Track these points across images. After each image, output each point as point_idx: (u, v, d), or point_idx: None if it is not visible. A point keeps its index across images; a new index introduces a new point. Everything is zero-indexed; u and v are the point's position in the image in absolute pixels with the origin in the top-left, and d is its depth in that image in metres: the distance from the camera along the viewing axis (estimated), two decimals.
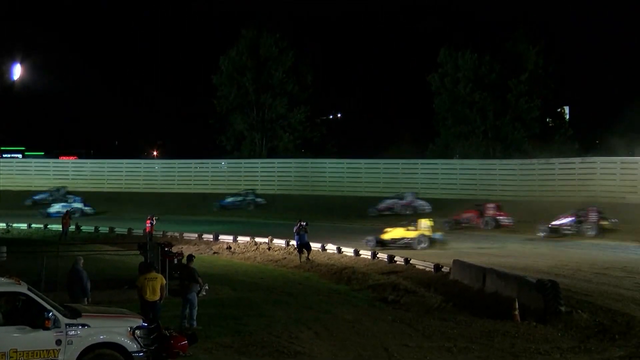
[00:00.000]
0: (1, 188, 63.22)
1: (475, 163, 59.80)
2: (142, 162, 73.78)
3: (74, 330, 12.58)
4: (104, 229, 43.76)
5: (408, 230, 35.13)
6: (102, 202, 59.73)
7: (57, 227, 43.06)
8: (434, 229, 35.43)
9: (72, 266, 19.12)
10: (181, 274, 20.47)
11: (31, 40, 74.74)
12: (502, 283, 22.08)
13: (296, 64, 69.24)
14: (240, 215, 53.77)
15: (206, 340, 16.20)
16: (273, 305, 21.84)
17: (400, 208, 50.89)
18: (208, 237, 39.40)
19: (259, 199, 58.59)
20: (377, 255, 30.89)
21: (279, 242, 35.95)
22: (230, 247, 36.79)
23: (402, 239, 34.76)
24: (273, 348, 16.15)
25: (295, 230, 32.66)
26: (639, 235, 36.58)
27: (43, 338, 12.38)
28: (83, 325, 12.70)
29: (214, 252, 35.91)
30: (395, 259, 29.80)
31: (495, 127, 62.86)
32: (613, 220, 39.16)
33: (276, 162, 66.94)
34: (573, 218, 39.22)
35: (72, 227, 42.95)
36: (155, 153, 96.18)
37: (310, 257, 32.04)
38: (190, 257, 19.97)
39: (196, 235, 40.21)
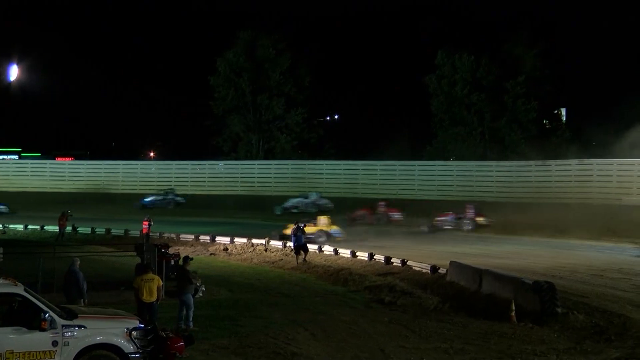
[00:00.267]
0: None
1: (472, 165, 59.90)
2: (138, 163, 73.78)
3: (71, 332, 12.58)
4: (100, 230, 43.68)
5: (308, 226, 36.22)
6: (98, 203, 59.87)
7: (54, 228, 43.01)
8: (332, 225, 38.36)
9: (68, 267, 19.13)
10: (177, 275, 20.55)
11: (28, 41, 74.75)
12: (498, 284, 22.10)
13: (293, 66, 69.25)
14: (162, 214, 53.28)
15: (203, 342, 16.21)
16: (270, 306, 21.85)
17: (305, 206, 54.17)
18: (205, 238, 39.36)
19: (178, 198, 60.45)
20: (374, 257, 30.91)
21: (276, 244, 35.96)
22: (227, 249, 36.78)
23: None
24: (270, 349, 16.15)
25: (292, 232, 32.66)
26: (635, 237, 36.61)
27: (39, 339, 12.38)
28: (79, 326, 12.70)
29: (211, 254, 35.89)
30: (391, 260, 29.82)
31: (492, 128, 62.97)
32: (490, 220, 43.19)
33: (273, 164, 66.99)
34: (453, 215, 43.69)
35: (69, 229, 42.89)
36: (152, 154, 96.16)
37: (307, 258, 32.05)
38: (186, 259, 20.01)
39: (193, 236, 40.18)
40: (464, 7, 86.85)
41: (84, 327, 12.73)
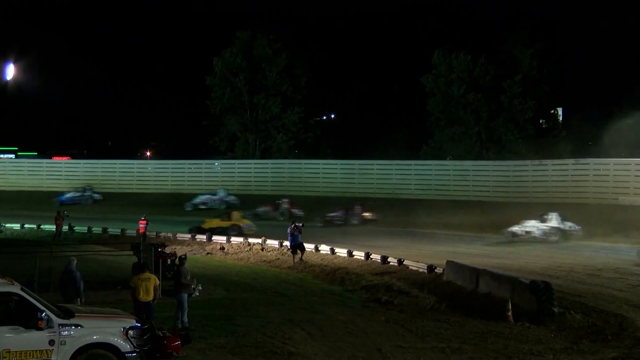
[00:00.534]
0: None
1: (469, 164, 59.91)
2: (135, 163, 73.69)
3: (67, 331, 12.58)
4: (97, 230, 43.64)
5: (223, 220, 42.19)
6: (94, 202, 59.89)
7: (51, 227, 42.97)
8: (244, 220, 42.89)
9: (65, 267, 19.11)
10: (173, 274, 20.63)
11: (25, 40, 74.65)
12: (495, 284, 22.12)
13: (290, 65, 69.21)
14: (80, 210, 53.61)
15: (200, 341, 16.22)
16: (266, 305, 21.86)
17: (214, 203, 57.24)
18: (201, 237, 39.35)
19: (96, 195, 62.16)
20: (371, 256, 30.92)
21: (273, 243, 35.96)
22: (223, 248, 36.77)
23: (218, 227, 40.75)
24: (266, 349, 16.16)
25: (289, 231, 32.66)
26: (632, 237, 36.66)
27: (36, 338, 12.38)
28: (76, 325, 12.70)
29: (208, 253, 35.88)
30: (388, 259, 29.83)
31: (488, 128, 62.95)
32: (376, 215, 48.09)
33: (270, 163, 66.95)
34: (342, 211, 48.26)
35: (66, 228, 42.86)
36: (148, 154, 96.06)
37: (303, 257, 32.05)
38: (181, 259, 20.12)
39: (189, 235, 40.19)
40: (462, 7, 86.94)
41: (81, 326, 12.74)
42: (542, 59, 61.83)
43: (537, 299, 19.58)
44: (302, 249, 32.32)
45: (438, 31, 73.02)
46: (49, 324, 12.47)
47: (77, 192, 61.50)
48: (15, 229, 45.50)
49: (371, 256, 30.95)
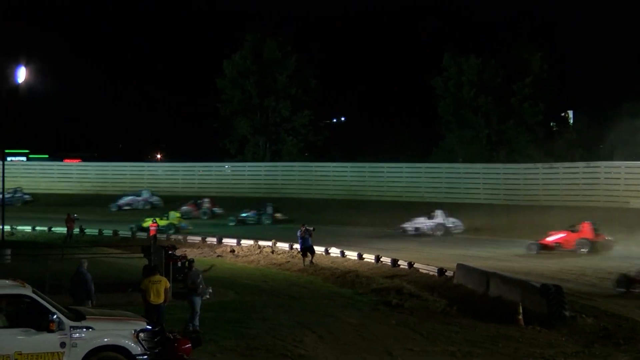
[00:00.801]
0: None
1: (479, 167, 59.77)
2: (145, 165, 73.94)
3: (79, 333, 12.61)
4: (107, 232, 43.85)
5: (161, 220, 44.08)
6: (106, 204, 59.97)
7: (62, 229, 43.14)
8: (181, 220, 46.31)
9: (76, 269, 19.16)
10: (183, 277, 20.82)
11: (36, 43, 74.91)
12: (506, 287, 22.07)
13: (300, 68, 69.28)
14: (10, 210, 53.34)
15: (210, 344, 16.21)
16: (277, 308, 21.86)
17: (139, 203, 58.87)
18: (212, 240, 39.46)
19: (26, 196, 63.70)
20: (381, 259, 30.91)
21: (283, 246, 35.97)
22: (233, 251, 36.82)
23: (157, 227, 41.73)
24: (277, 351, 16.16)
25: (300, 234, 32.64)
26: None
27: (47, 340, 12.41)
28: (87, 327, 12.73)
29: (218, 256, 35.92)
30: (398, 262, 29.82)
31: (499, 131, 62.83)
32: (285, 216, 50.33)
33: (280, 166, 67.03)
34: (254, 211, 50.70)
35: (77, 230, 43.03)
36: (159, 156, 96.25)
37: (314, 260, 32.03)
38: (190, 262, 20.37)
39: (200, 238, 40.29)
40: (470, 9, 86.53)
41: (92, 328, 12.76)
42: (551, 61, 61.66)
43: (548, 303, 19.52)
44: (312, 252, 32.30)
45: (442, 32, 72.67)
46: (61, 326, 12.50)
47: (8, 192, 61.03)
48: (26, 232, 45.71)
49: (381, 259, 30.96)
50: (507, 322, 19.55)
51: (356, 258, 32.20)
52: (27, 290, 12.90)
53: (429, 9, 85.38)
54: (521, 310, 19.65)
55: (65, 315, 12.71)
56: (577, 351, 16.83)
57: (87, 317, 13.06)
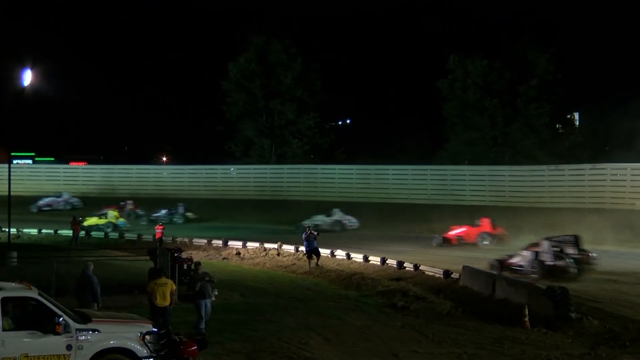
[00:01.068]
0: (12, 193, 63.27)
1: (485, 169, 59.71)
2: (151, 168, 74.08)
3: (85, 335, 12.64)
4: (113, 235, 43.97)
5: (100, 218, 47.06)
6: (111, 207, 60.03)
7: (68, 232, 43.22)
8: (119, 218, 48.13)
9: (82, 271, 19.20)
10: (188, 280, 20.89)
11: (41, 46, 75.02)
12: (511, 289, 22.05)
13: (305, 70, 69.31)
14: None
15: (216, 346, 16.23)
16: (282, 311, 21.88)
17: (59, 204, 60.42)
18: (217, 242, 39.46)
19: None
20: (387, 262, 30.89)
21: (288, 248, 35.99)
22: (239, 253, 36.80)
23: (96, 225, 45.58)
24: (283, 354, 16.18)
25: (305, 237, 32.67)
26: None
27: (54, 343, 12.44)
28: (93, 330, 12.76)
29: (224, 258, 35.93)
30: (404, 265, 29.80)
31: (504, 133, 62.77)
32: (197, 215, 52.66)
33: (285, 168, 67.06)
34: (167, 210, 52.14)
35: (82, 233, 43.12)
36: (164, 159, 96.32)
37: (319, 263, 32.04)
38: (196, 264, 20.47)
39: (205, 241, 40.30)
40: (475, 11, 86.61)
41: (98, 331, 12.80)
42: (557, 63, 61.58)
43: (554, 305, 19.51)
44: (318, 254, 32.31)
45: (447, 34, 72.78)
46: (67, 328, 12.53)
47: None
48: (32, 234, 45.77)
49: (387, 261, 30.94)
50: (513, 324, 19.53)
51: (362, 260, 32.20)
52: (34, 293, 12.94)
53: (434, 11, 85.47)
54: (527, 312, 19.63)
55: (71, 318, 12.74)
56: (583, 353, 16.81)
57: (93, 319, 13.10)
